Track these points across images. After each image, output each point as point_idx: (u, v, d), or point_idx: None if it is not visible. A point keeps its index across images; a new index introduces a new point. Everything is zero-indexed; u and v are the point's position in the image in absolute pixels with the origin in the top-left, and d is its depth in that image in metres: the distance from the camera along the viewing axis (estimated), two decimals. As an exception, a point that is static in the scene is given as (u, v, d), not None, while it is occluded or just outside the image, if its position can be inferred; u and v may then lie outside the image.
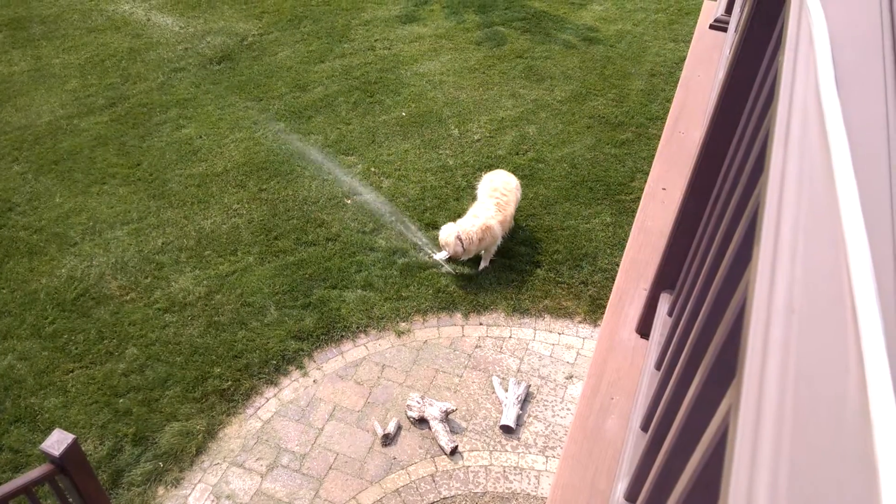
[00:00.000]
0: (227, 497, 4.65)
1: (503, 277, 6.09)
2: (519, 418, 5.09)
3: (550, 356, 5.55)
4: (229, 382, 5.24)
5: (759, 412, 0.59)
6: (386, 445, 4.95)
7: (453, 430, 5.03)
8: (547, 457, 4.91)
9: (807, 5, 1.05)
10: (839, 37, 0.96)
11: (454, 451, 4.88)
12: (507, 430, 5.03)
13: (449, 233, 5.86)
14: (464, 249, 5.83)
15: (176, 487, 4.68)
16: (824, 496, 0.50)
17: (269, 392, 5.23)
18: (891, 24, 0.98)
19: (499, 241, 6.06)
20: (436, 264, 6.14)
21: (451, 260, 6.03)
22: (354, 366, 5.43)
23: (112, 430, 4.93)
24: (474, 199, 6.38)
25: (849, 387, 0.56)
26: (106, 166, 7.19)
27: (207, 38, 9.29)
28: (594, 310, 5.84)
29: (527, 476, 4.81)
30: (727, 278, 1.32)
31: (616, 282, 2.84)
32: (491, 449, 4.95)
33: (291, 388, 5.27)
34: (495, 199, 6.04)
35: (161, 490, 4.66)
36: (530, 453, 4.93)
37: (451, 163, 7.26)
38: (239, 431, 5.00)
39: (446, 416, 5.02)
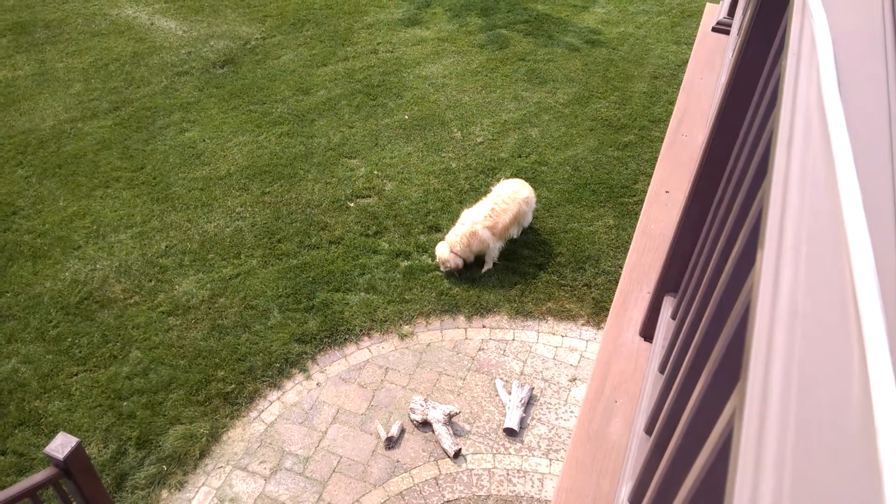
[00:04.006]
0: (231, 500, 4.65)
1: (506, 280, 6.09)
2: (522, 421, 5.08)
3: (554, 359, 5.54)
4: (233, 385, 5.25)
5: (764, 416, 0.59)
6: (389, 448, 4.94)
7: (457, 433, 5.03)
8: (550, 460, 4.91)
9: (809, 9, 1.05)
10: (842, 40, 0.96)
11: (457, 454, 4.88)
12: (510, 432, 5.02)
13: (444, 250, 6.00)
14: (463, 259, 5.97)
15: (179, 491, 4.68)
16: (828, 501, 0.50)
17: (273, 395, 5.24)
18: (893, 28, 0.98)
19: (496, 245, 6.06)
20: (439, 266, 6.14)
21: (465, 262, 6.08)
22: (358, 369, 5.43)
23: (116, 434, 4.94)
24: (478, 202, 6.40)
25: (852, 391, 0.56)
26: (109, 170, 7.21)
27: (211, 41, 9.31)
28: (597, 312, 5.83)
29: (530, 479, 4.80)
30: (731, 282, 1.32)
31: (619, 285, 2.84)
32: (494, 452, 4.94)
33: (295, 391, 5.28)
34: (493, 204, 6.06)
35: (165, 493, 4.67)
36: (534, 456, 4.92)
37: (453, 165, 7.27)
38: (242, 434, 5.00)
39: (449, 419, 5.01)
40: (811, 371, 0.60)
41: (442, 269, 6.08)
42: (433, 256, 6.17)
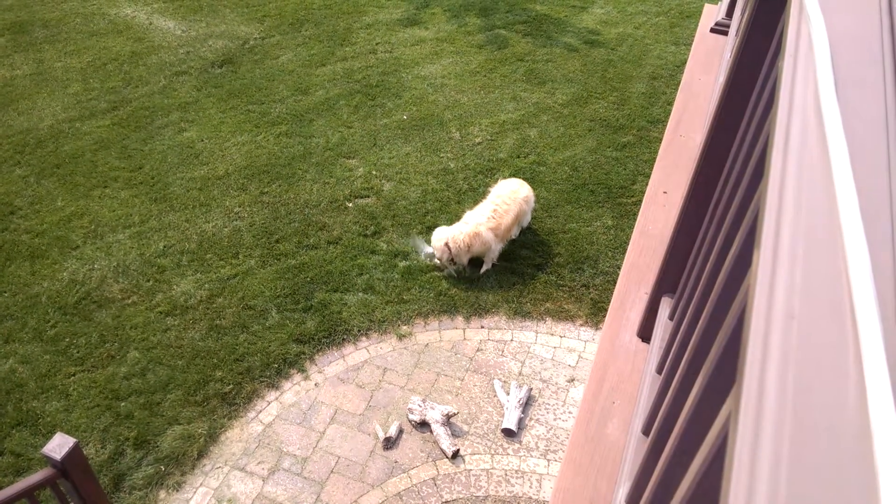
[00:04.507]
0: (229, 501, 4.65)
1: (504, 280, 6.09)
2: (520, 422, 5.08)
3: (552, 359, 5.54)
4: (231, 386, 5.24)
5: (759, 419, 0.59)
6: (387, 449, 4.94)
7: (455, 433, 5.03)
8: (548, 460, 4.91)
9: (807, 11, 1.05)
10: (839, 42, 0.96)
11: (456, 455, 4.88)
12: (508, 433, 5.02)
13: (440, 238, 5.96)
14: (452, 255, 5.90)
15: (177, 491, 4.68)
16: (824, 504, 0.50)
17: (271, 395, 5.23)
18: (890, 30, 0.98)
19: (497, 247, 6.05)
20: (437, 267, 6.14)
21: (453, 262, 6.05)
22: (356, 369, 5.43)
23: (113, 434, 4.93)
24: (476, 202, 6.40)
25: (848, 393, 0.56)
26: (108, 170, 7.20)
27: (209, 41, 9.31)
28: (595, 313, 5.83)
29: (528, 480, 4.80)
30: (727, 283, 1.32)
31: (617, 285, 2.84)
32: (492, 452, 4.94)
33: (293, 391, 5.27)
34: (494, 206, 6.05)
35: (163, 494, 4.66)
36: (532, 457, 4.92)
37: (452, 166, 7.27)
38: (240, 435, 5.00)
39: (448, 420, 5.01)
40: (807, 373, 0.60)
41: (434, 252, 6.02)
42: (429, 242, 6.12)
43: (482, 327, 5.75)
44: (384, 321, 5.73)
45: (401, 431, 5.04)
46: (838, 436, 0.54)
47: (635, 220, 3.24)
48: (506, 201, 6.08)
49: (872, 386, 0.54)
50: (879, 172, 0.77)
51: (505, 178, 6.71)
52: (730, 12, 4.48)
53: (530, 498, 4.70)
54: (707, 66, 4.26)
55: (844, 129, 0.79)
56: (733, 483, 0.56)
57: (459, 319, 5.79)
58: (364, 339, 5.63)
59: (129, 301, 5.85)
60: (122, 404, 5.11)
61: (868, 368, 0.55)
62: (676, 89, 5.45)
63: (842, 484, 0.51)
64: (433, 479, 4.78)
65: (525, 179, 6.70)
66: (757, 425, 0.58)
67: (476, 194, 6.76)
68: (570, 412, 5.19)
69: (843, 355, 0.59)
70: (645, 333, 2.58)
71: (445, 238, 5.92)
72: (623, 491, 1.95)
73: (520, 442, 5.00)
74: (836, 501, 0.50)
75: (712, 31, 4.66)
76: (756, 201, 1.14)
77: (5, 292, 5.93)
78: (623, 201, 6.88)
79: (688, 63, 4.41)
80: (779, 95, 0.97)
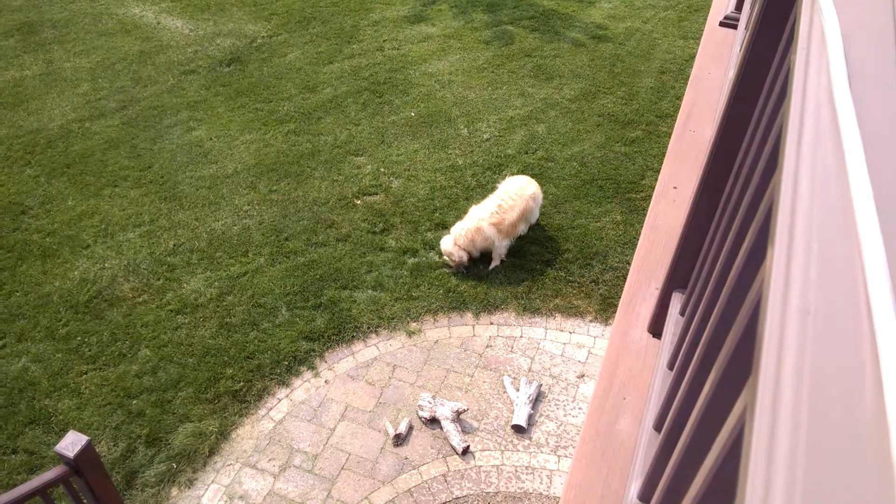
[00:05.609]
0: (240, 498, 4.67)
1: (514, 277, 6.08)
2: (530, 418, 5.08)
3: (562, 355, 5.54)
4: (241, 383, 5.26)
5: (775, 413, 0.59)
6: (398, 446, 4.95)
7: (465, 429, 5.03)
8: (559, 456, 4.91)
9: (819, 3, 1.04)
10: (851, 34, 0.96)
11: (466, 451, 4.89)
12: (518, 429, 5.02)
13: (449, 243, 6.01)
14: (467, 253, 5.98)
15: (189, 488, 4.71)
16: (841, 497, 0.50)
17: (281, 393, 5.25)
18: (904, 20, 0.97)
19: (503, 243, 6.05)
20: (446, 264, 6.14)
21: (471, 258, 6.08)
22: (366, 366, 5.44)
23: (125, 432, 4.96)
24: (485, 198, 6.40)
25: (865, 388, 0.55)
26: (117, 169, 7.24)
27: (217, 40, 9.33)
28: (605, 308, 5.82)
29: (539, 476, 4.80)
30: (740, 278, 1.32)
31: (627, 281, 2.83)
32: (503, 449, 4.94)
33: (303, 388, 5.29)
34: (499, 200, 6.06)
35: (174, 491, 4.69)
36: (542, 453, 4.92)
37: (460, 162, 7.26)
38: (251, 432, 5.02)
39: (458, 416, 5.02)
40: (823, 367, 0.60)
41: (448, 261, 6.06)
42: (440, 253, 6.17)
43: (491, 324, 5.75)
44: (393, 318, 5.74)
45: (411, 428, 5.05)
46: (855, 428, 0.54)
47: (644, 215, 3.23)
48: (512, 197, 6.08)
49: (889, 379, 0.54)
50: (894, 164, 0.77)
51: (513, 174, 6.70)
52: (739, 6, 4.46)
53: (540, 494, 4.70)
54: (717, 60, 4.24)
55: (858, 122, 0.79)
56: (750, 475, 0.56)
57: (469, 316, 5.79)
58: (374, 336, 5.64)
59: (140, 299, 5.88)
60: (134, 402, 5.14)
61: (884, 361, 0.55)
62: (685, 84, 5.43)
63: (858, 476, 0.51)
64: (443, 475, 4.79)
65: (533, 175, 6.69)
66: (773, 418, 0.58)
67: (484, 190, 6.75)
68: (580, 408, 5.19)
69: (859, 349, 0.58)
70: (656, 329, 2.57)
71: (453, 240, 5.98)
72: (635, 487, 1.95)
73: (530, 438, 5.00)
74: (853, 494, 0.50)
75: (721, 24, 4.64)
76: (769, 195, 1.13)
77: (17, 291, 5.97)
78: (632, 196, 6.86)
79: (697, 57, 4.39)
80: (791, 89, 0.97)
